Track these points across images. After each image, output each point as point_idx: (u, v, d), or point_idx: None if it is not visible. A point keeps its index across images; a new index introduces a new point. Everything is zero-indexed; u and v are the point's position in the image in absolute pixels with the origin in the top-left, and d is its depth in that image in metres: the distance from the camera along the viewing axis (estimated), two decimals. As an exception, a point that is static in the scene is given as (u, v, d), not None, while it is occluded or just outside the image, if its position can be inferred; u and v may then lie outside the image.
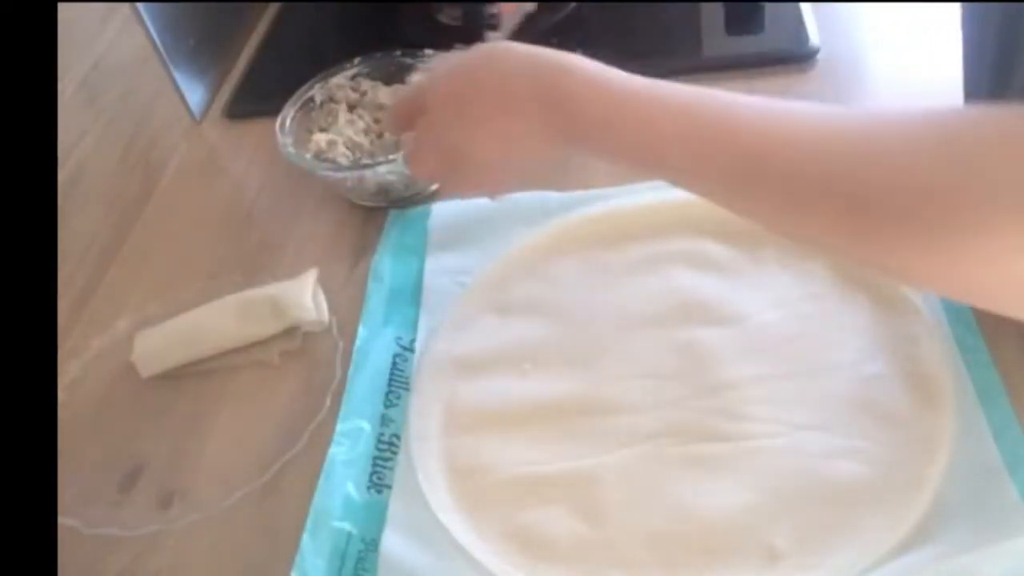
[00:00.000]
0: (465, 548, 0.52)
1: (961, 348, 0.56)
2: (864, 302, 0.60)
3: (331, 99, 0.81)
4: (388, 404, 0.61)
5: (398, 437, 0.59)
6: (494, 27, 0.88)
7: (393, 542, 0.52)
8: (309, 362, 0.65)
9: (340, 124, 0.79)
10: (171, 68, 0.88)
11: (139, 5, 0.84)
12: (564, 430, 0.57)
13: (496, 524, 0.53)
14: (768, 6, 0.89)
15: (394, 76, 0.82)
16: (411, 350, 0.64)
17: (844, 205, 0.40)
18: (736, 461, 0.53)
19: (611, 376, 0.60)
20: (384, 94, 0.81)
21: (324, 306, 0.67)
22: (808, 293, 0.61)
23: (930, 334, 0.56)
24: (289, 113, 0.78)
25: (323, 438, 0.59)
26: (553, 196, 0.72)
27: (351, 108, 0.81)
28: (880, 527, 0.49)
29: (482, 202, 0.74)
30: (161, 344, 0.66)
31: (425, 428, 0.59)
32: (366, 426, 0.60)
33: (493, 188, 0.62)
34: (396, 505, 0.54)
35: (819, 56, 0.82)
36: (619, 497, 0.53)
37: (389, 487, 0.56)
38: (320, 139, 0.77)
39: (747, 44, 0.88)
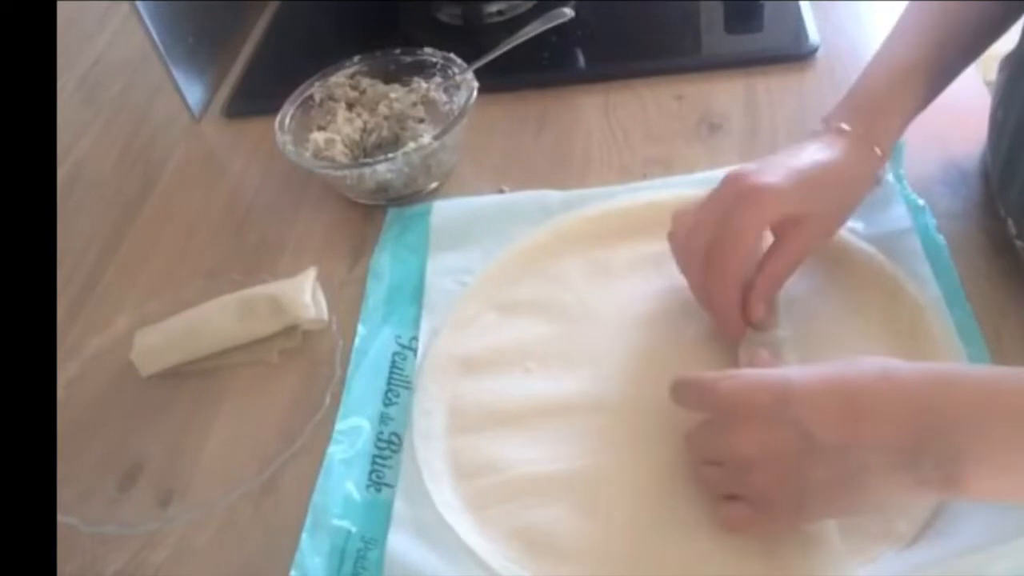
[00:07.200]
0: (471, 547, 0.51)
1: (966, 346, 0.55)
2: (868, 300, 0.60)
3: (330, 97, 0.81)
4: (387, 402, 0.61)
5: (397, 435, 0.59)
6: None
7: (399, 542, 0.52)
8: (308, 361, 0.65)
9: (339, 122, 0.79)
10: (170, 66, 0.88)
11: (138, 4, 0.84)
12: (568, 428, 0.57)
13: (501, 523, 0.53)
14: (768, 4, 0.89)
15: (393, 75, 0.82)
16: (410, 348, 0.64)
17: None
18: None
19: (614, 374, 0.59)
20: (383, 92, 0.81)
21: (323, 304, 0.67)
22: (811, 291, 0.61)
23: (935, 331, 0.56)
24: (288, 111, 0.78)
25: (322, 436, 0.59)
26: (554, 195, 0.72)
27: (350, 106, 0.81)
28: (883, 526, 0.48)
29: (482, 200, 0.74)
30: (160, 343, 0.66)
31: (429, 427, 0.58)
32: (365, 424, 0.60)
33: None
34: (401, 505, 0.54)
35: (819, 54, 0.82)
36: (624, 495, 0.53)
37: (388, 485, 0.56)
38: (319, 137, 0.77)
39: (747, 43, 0.88)
